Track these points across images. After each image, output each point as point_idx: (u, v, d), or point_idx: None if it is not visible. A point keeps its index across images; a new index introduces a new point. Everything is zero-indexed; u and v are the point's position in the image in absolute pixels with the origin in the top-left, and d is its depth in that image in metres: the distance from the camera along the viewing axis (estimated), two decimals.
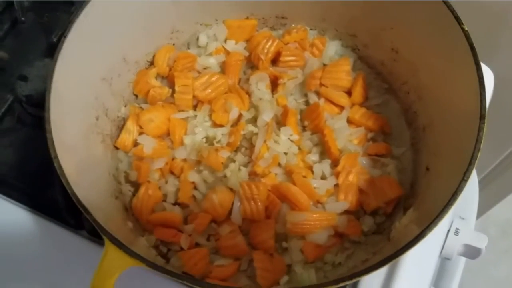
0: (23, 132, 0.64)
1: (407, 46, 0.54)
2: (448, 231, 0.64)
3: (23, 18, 0.70)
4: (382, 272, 0.51)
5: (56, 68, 0.44)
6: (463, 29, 0.44)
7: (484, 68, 0.63)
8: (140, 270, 0.37)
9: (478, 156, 0.39)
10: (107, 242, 0.37)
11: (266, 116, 0.55)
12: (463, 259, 0.67)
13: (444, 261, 0.62)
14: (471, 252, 0.56)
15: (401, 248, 0.38)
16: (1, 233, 0.58)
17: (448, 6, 0.45)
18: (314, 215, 0.50)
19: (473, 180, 0.74)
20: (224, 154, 0.53)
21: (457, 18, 0.45)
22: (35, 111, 0.63)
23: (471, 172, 0.39)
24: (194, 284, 0.36)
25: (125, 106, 0.57)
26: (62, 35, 0.45)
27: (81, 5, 0.47)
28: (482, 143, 0.40)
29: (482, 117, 0.41)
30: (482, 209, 1.14)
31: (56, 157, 0.39)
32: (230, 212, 0.52)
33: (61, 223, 0.58)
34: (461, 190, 0.38)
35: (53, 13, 0.73)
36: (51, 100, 0.42)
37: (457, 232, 0.65)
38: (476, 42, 0.69)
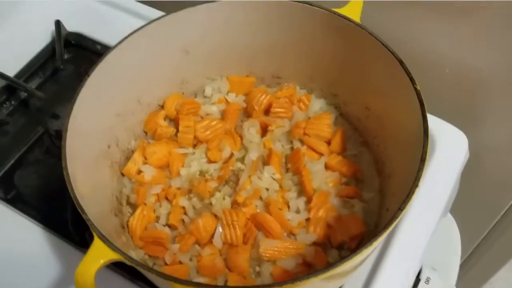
0: (49, 162, 0.75)
1: (376, 104, 0.62)
2: (419, 279, 0.69)
3: (62, 66, 0.83)
4: None
5: (77, 100, 0.54)
6: (415, 88, 0.52)
7: (457, 132, 0.71)
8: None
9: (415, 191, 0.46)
10: (95, 237, 0.44)
11: (253, 155, 0.63)
12: None
13: None
14: None
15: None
16: (16, 243, 0.67)
17: (404, 68, 0.54)
18: (286, 244, 0.57)
19: (451, 230, 0.78)
20: (213, 184, 0.61)
21: (411, 79, 0.53)
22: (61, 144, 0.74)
23: (407, 203, 0.45)
24: (168, 279, 0.43)
25: (135, 140, 0.67)
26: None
27: (103, 53, 0.58)
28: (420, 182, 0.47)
29: (422, 159, 0.48)
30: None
31: (66, 167, 0.48)
32: (212, 237, 0.59)
33: (67, 240, 0.66)
34: (396, 218, 0.45)
35: (89, 65, 0.86)
36: (69, 124, 0.52)
37: (427, 281, 0.69)
38: (454, 109, 0.77)
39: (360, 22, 0.58)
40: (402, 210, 0.45)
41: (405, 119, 0.55)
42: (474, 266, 1.11)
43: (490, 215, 0.96)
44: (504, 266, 1.09)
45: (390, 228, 0.45)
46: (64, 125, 0.51)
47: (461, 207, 0.81)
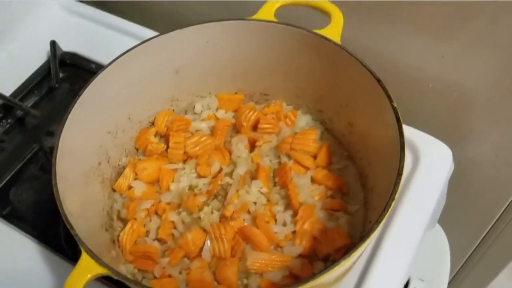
0: (43, 179, 0.76)
1: (358, 120, 0.64)
2: None
3: (57, 85, 0.85)
4: None
5: (67, 119, 0.56)
6: (392, 105, 0.54)
7: (441, 145, 0.73)
8: None
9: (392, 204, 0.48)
10: (83, 251, 0.46)
11: (241, 170, 0.65)
12: None
13: None
14: None
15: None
16: (11, 258, 0.68)
17: (382, 86, 0.56)
18: (272, 256, 0.58)
19: (441, 243, 0.79)
20: (201, 198, 0.63)
21: (388, 96, 0.55)
22: None
23: (384, 215, 0.47)
24: None
25: (126, 156, 0.69)
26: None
27: (97, 72, 0.60)
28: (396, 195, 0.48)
29: (399, 174, 0.49)
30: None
31: (56, 185, 0.50)
32: (201, 250, 0.60)
33: (61, 254, 0.68)
34: (373, 230, 0.46)
35: (84, 83, 0.89)
36: (60, 142, 0.54)
37: None
38: (439, 123, 0.79)
39: (339, 42, 0.60)
40: (379, 223, 0.47)
41: (384, 135, 0.57)
42: (467, 277, 1.12)
43: (480, 227, 0.97)
44: (499, 274, 1.10)
45: (368, 240, 0.47)
46: (54, 144, 0.53)
47: (450, 219, 0.82)
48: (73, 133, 0.56)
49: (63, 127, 0.55)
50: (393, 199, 0.48)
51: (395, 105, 0.54)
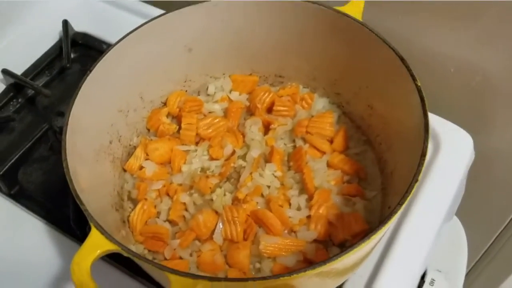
0: (53, 159, 0.75)
1: (379, 102, 0.62)
2: (424, 281, 0.68)
3: (68, 65, 0.84)
4: None
5: (78, 94, 0.54)
6: (416, 85, 0.52)
7: (462, 132, 0.70)
8: None
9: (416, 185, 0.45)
10: (92, 227, 0.44)
11: (254, 152, 0.63)
12: None
13: None
14: None
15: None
16: (19, 238, 0.67)
17: (406, 65, 0.53)
18: (286, 241, 0.57)
19: (457, 234, 0.77)
20: (213, 180, 0.61)
21: (412, 76, 0.53)
22: None
23: (406, 198, 0.45)
24: (163, 269, 0.42)
25: (137, 136, 0.67)
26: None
27: (108, 48, 0.58)
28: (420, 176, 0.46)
29: (423, 154, 0.47)
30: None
31: (66, 160, 0.48)
32: (213, 233, 0.59)
33: (69, 235, 0.66)
34: (395, 212, 0.44)
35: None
36: (70, 118, 0.52)
37: (432, 282, 0.68)
38: (461, 110, 0.76)
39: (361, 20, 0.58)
40: (401, 205, 0.45)
41: (406, 116, 0.55)
42: (484, 270, 1.09)
43: (499, 219, 0.94)
44: None
45: (389, 223, 0.45)
46: (65, 119, 0.51)
47: (469, 211, 0.80)
48: (83, 108, 0.54)
49: (73, 102, 0.53)
50: (416, 180, 0.46)
51: (419, 84, 0.52)
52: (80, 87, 0.54)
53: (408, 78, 0.53)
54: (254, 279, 0.47)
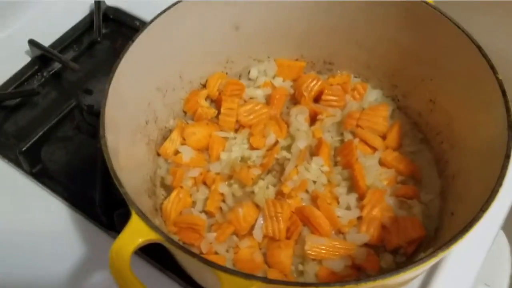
0: (78, 139, 0.70)
1: (445, 96, 0.56)
2: None
3: (99, 39, 0.79)
4: None
5: (119, 65, 0.49)
6: (497, 78, 0.46)
7: None
8: None
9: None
10: (133, 214, 0.39)
11: (301, 144, 0.58)
12: None
13: None
14: None
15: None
16: (39, 219, 0.62)
17: (484, 55, 0.48)
18: (334, 243, 0.51)
19: (503, 247, 0.72)
20: (255, 171, 0.56)
21: (492, 67, 0.47)
22: (92, 121, 0.69)
23: (490, 204, 0.39)
24: (216, 267, 0.37)
25: (174, 119, 0.62)
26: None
27: (151, 20, 0.53)
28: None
29: (507, 156, 0.42)
30: None
31: (104, 136, 0.43)
32: (252, 228, 0.53)
33: (94, 220, 0.62)
34: (477, 220, 0.39)
35: (126, 40, 0.82)
36: (110, 89, 0.47)
37: None
38: None
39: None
40: (484, 211, 0.39)
41: (481, 112, 0.49)
42: None
43: None
44: None
45: (469, 232, 0.39)
46: (104, 91, 0.46)
47: None
48: (123, 80, 0.49)
49: (113, 73, 0.48)
50: (500, 184, 0.40)
51: (500, 78, 0.46)
52: (122, 58, 0.50)
53: (487, 70, 0.47)
54: (308, 285, 0.41)
